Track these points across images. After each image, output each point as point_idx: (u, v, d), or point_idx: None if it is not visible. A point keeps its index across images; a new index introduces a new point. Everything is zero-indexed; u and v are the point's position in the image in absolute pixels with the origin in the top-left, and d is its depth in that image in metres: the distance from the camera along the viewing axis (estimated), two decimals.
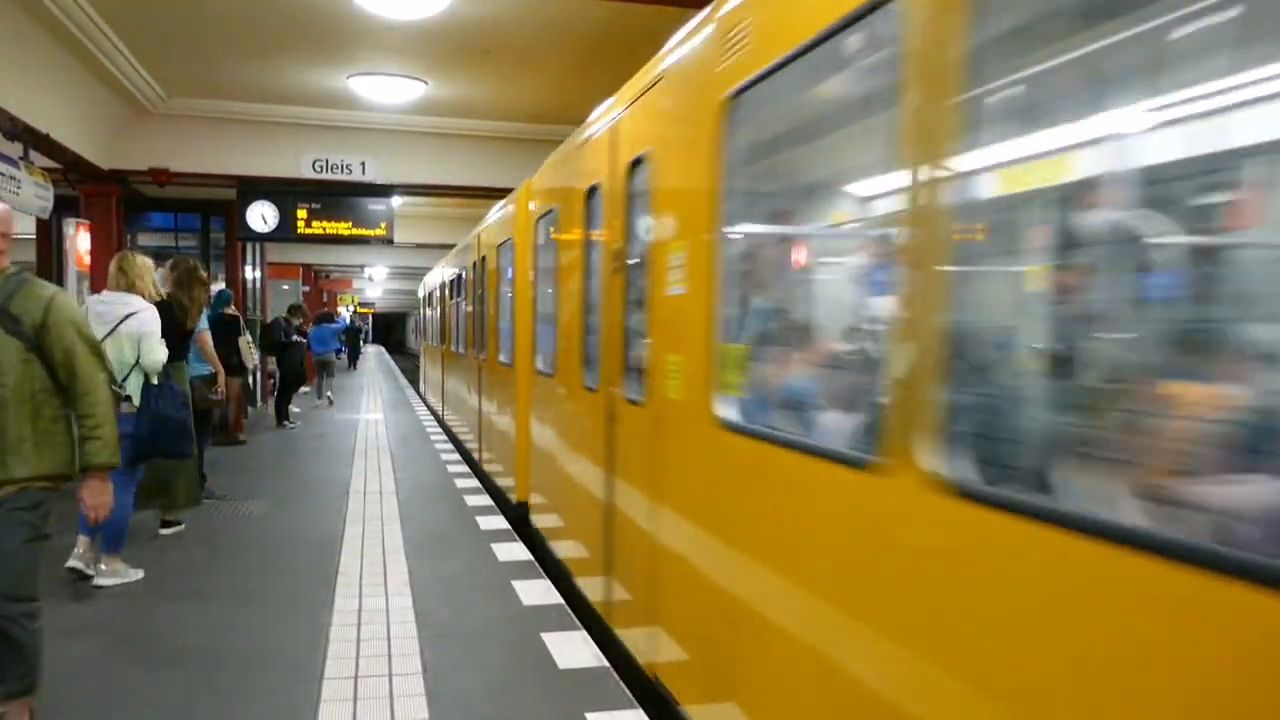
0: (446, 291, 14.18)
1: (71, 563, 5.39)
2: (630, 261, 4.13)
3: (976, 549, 1.81)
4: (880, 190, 2.91)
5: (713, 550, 3.17)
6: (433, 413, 16.23)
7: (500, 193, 9.93)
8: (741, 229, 3.18)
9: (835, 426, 2.77)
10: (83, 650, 4.45)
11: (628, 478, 4.14)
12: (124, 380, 5.34)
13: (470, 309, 10.82)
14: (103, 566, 5.44)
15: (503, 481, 7.99)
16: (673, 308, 3.45)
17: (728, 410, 3.04)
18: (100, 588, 5.37)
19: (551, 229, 6.18)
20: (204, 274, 6.83)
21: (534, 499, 6.87)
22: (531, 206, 7.06)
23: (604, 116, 4.68)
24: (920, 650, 1.99)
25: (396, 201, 12.74)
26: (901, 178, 2.09)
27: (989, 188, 2.14)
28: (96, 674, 4.18)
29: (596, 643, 4.51)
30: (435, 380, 16.27)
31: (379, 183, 11.90)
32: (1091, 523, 1.56)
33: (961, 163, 1.92)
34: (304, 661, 4.25)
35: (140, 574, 5.59)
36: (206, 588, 5.52)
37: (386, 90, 10.25)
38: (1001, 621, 1.75)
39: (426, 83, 10.07)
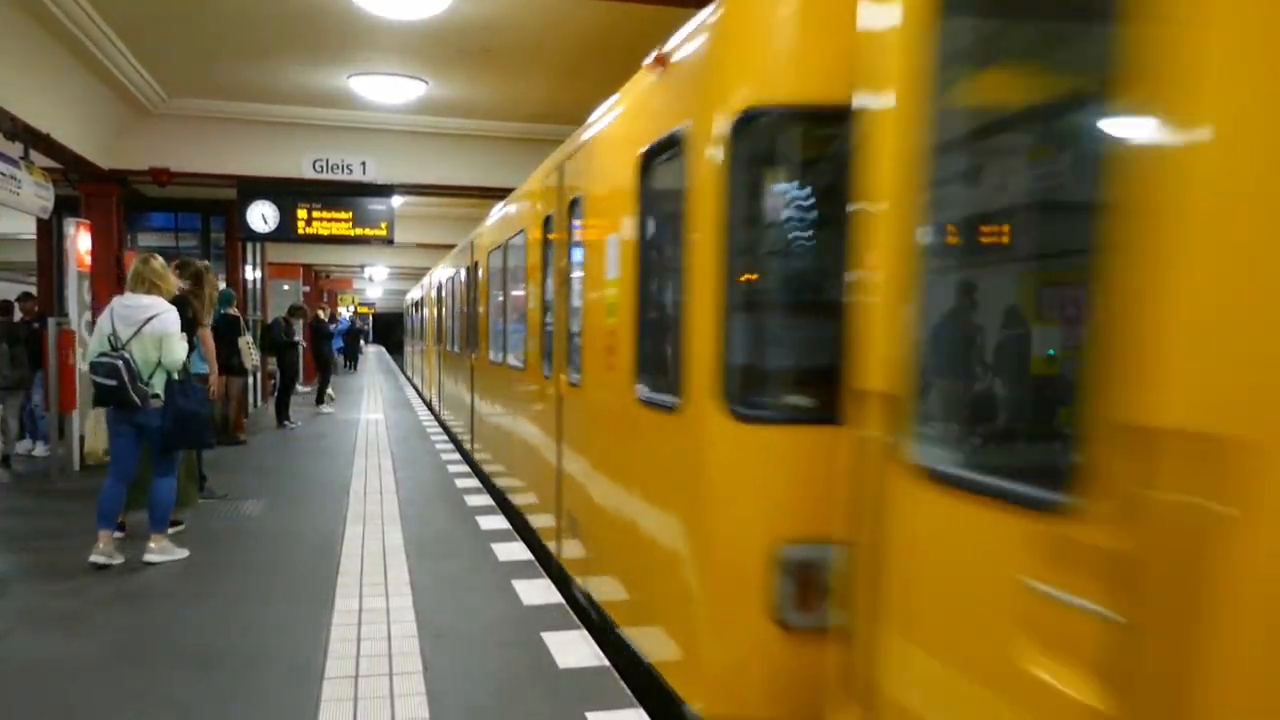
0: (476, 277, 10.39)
1: (94, 558, 5.78)
2: None
3: None
4: None
5: None
6: (432, 414, 16.22)
7: (501, 192, 9.92)
8: None
9: None
10: (84, 650, 4.45)
11: None
12: (150, 378, 5.76)
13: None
14: (151, 545, 5.94)
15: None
16: None
17: None
18: (150, 564, 5.86)
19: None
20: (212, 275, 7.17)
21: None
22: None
23: None
24: None
25: (397, 201, 12.74)
26: None
27: None
28: (97, 674, 4.18)
29: (596, 642, 4.51)
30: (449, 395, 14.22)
31: (379, 183, 11.91)
32: None
33: None
34: (304, 661, 4.25)
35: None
36: (206, 588, 5.52)
37: (387, 90, 10.25)
38: None
39: (427, 82, 10.07)
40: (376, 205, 12.20)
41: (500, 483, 8.22)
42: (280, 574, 5.80)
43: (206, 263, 7.16)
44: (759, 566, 3.09)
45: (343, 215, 12.08)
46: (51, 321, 9.36)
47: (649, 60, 3.84)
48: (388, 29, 8.29)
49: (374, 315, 56.63)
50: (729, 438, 3.20)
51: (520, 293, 7.43)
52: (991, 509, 1.95)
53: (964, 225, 2.54)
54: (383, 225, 12.26)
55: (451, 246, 14.96)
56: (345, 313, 38.82)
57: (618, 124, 4.54)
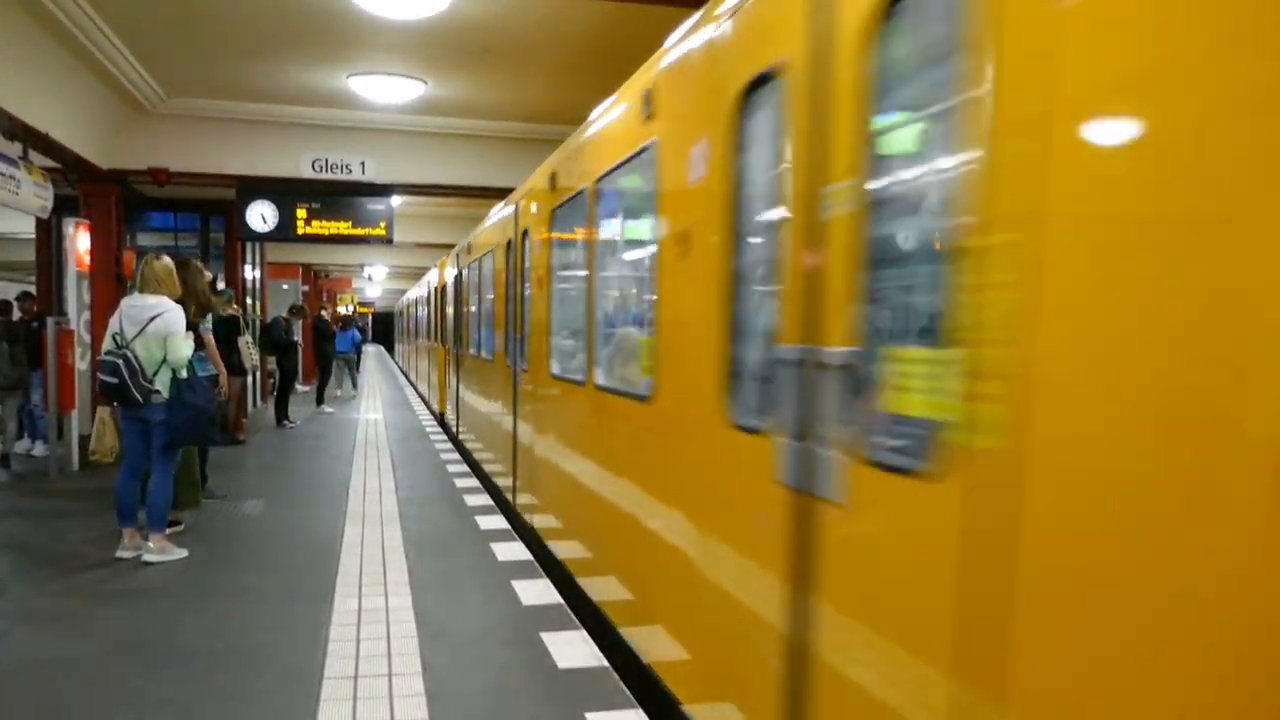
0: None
1: (120, 552, 6.03)
2: None
3: None
4: None
5: None
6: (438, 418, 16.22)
7: (500, 192, 9.91)
8: None
9: None
10: (83, 650, 4.45)
11: None
12: (153, 375, 5.89)
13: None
14: (150, 544, 6.00)
15: None
16: None
17: None
18: (149, 564, 5.92)
19: None
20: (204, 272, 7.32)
21: None
22: None
23: None
24: None
25: (396, 201, 12.74)
26: None
27: None
28: (96, 674, 4.18)
29: (596, 642, 4.52)
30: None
31: (378, 182, 11.91)
32: None
33: None
34: (303, 661, 4.25)
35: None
36: (206, 587, 5.52)
37: (386, 90, 10.25)
38: None
39: (426, 82, 10.06)
40: (375, 205, 12.21)
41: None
42: (279, 573, 5.79)
43: (184, 257, 7.18)
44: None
45: (342, 217, 12.11)
46: (50, 321, 9.35)
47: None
48: (387, 29, 8.28)
49: (373, 314, 56.77)
50: None
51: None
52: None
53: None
54: (381, 225, 12.27)
55: (451, 246, 14.96)
56: (344, 310, 38.73)
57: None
